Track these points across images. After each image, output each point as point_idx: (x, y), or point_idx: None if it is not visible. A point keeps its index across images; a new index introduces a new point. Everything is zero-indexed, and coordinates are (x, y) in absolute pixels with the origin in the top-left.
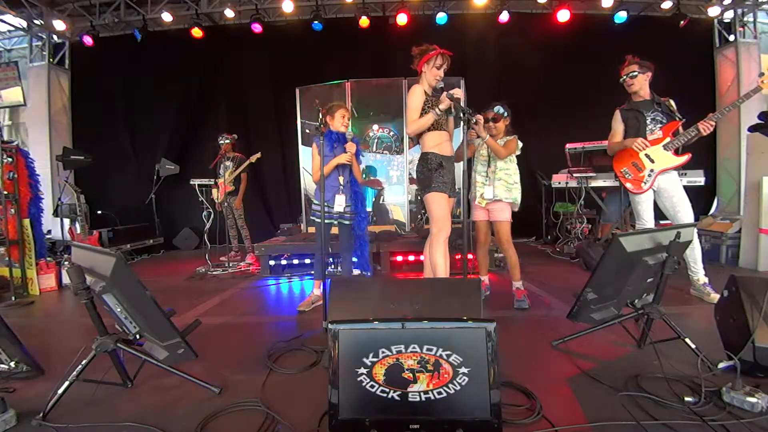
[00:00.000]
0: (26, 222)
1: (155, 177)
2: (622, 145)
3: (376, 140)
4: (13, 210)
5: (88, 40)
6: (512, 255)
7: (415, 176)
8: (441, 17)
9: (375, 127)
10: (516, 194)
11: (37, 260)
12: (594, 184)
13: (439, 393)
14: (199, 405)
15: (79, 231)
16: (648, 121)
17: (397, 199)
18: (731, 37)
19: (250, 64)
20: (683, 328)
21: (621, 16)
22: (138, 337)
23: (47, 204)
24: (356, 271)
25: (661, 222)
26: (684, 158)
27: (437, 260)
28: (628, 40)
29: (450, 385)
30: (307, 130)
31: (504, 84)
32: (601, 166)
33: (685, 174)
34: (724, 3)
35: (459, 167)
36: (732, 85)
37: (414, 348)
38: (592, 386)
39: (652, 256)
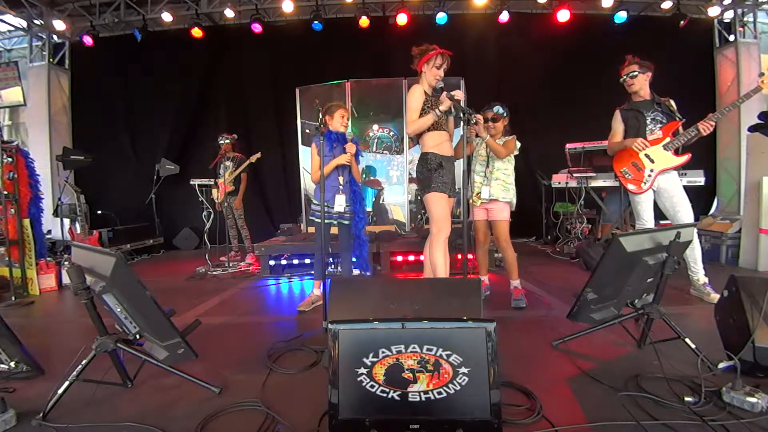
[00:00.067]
0: (26, 222)
1: (155, 177)
2: (622, 145)
3: (376, 140)
4: (13, 210)
5: (88, 40)
6: (510, 254)
7: (415, 176)
8: (441, 17)
9: (375, 127)
10: (513, 194)
11: (37, 260)
12: (594, 184)
13: (439, 393)
14: (199, 405)
15: (79, 231)
16: (648, 121)
17: (397, 199)
18: (731, 37)
19: (250, 64)
20: (683, 328)
21: (621, 16)
22: (138, 337)
23: (47, 204)
24: (356, 271)
25: (661, 222)
26: (684, 158)
27: (437, 260)
28: (628, 40)
29: (450, 385)
30: (307, 130)
31: (504, 84)
32: (601, 166)
33: (685, 174)
34: (724, 3)
35: (459, 167)
36: (732, 85)
37: (414, 348)
38: (592, 386)
39: (652, 256)
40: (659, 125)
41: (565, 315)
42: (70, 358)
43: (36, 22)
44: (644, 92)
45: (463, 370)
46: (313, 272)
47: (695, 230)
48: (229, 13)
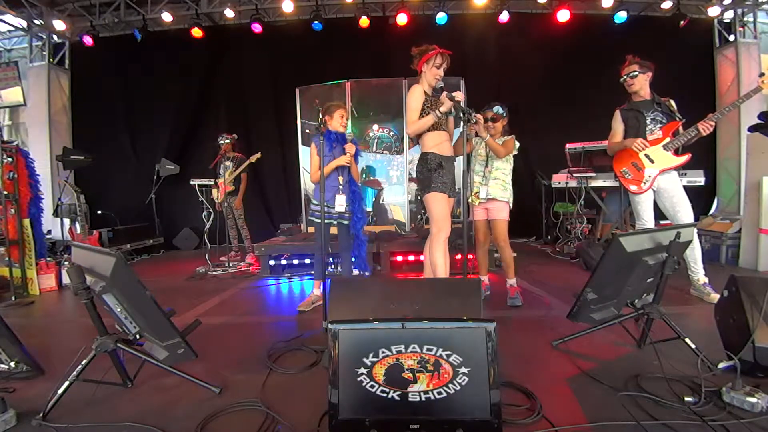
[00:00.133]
0: (26, 222)
1: (155, 177)
2: (622, 146)
3: (376, 140)
4: (13, 210)
5: (88, 40)
6: (508, 254)
7: (415, 176)
8: (441, 17)
9: (375, 127)
10: (510, 194)
11: (37, 260)
12: (594, 184)
13: (439, 393)
14: (199, 405)
15: (79, 231)
16: (648, 121)
17: (397, 199)
18: (731, 37)
19: (250, 64)
20: (683, 328)
21: (621, 16)
22: (138, 337)
23: (47, 204)
24: (355, 271)
25: (661, 222)
26: (684, 158)
27: (437, 260)
28: (628, 40)
29: (450, 385)
30: (307, 130)
31: (504, 84)
32: (601, 166)
33: (685, 174)
34: (724, 3)
35: (459, 167)
36: (732, 85)
37: (414, 348)
38: (592, 386)
39: (652, 256)
40: (659, 125)
41: (565, 315)
42: (70, 358)
43: (36, 22)
44: (644, 92)
45: (463, 370)
46: (313, 272)
47: (695, 230)
48: (229, 13)
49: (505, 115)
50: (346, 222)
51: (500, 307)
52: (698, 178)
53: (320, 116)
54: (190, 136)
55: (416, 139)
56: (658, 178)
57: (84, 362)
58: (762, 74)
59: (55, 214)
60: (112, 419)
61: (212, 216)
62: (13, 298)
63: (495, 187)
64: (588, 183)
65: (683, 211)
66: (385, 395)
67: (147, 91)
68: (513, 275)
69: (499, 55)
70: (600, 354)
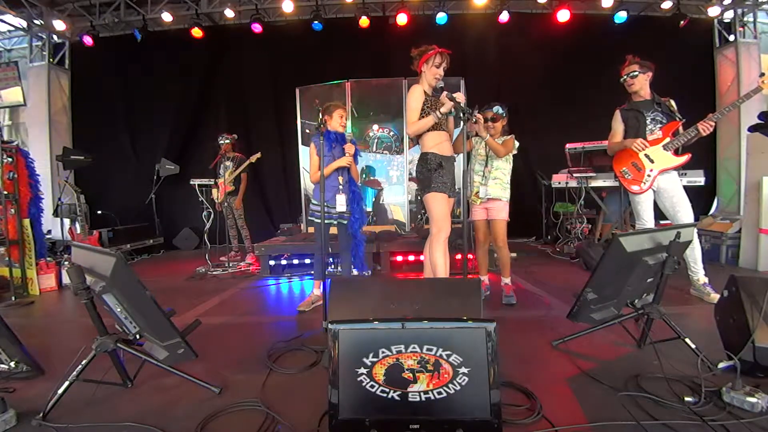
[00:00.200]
0: (26, 222)
1: (155, 177)
2: (622, 146)
3: (376, 140)
4: (13, 210)
5: (88, 40)
6: (505, 254)
7: (415, 176)
8: (441, 17)
9: (375, 127)
10: (509, 194)
11: (37, 260)
12: (594, 184)
13: (439, 393)
14: (199, 405)
15: (79, 231)
16: (648, 121)
17: (397, 199)
18: (731, 37)
19: (250, 64)
20: (683, 328)
21: (621, 16)
22: (138, 337)
23: (47, 204)
24: (354, 271)
25: (661, 222)
26: (684, 158)
27: (437, 260)
28: (628, 40)
29: (450, 385)
30: (307, 130)
31: (504, 84)
32: (601, 166)
33: (685, 174)
34: (724, 3)
35: (459, 167)
36: (732, 85)
37: (414, 348)
38: (592, 386)
39: (652, 256)
40: (659, 125)
41: (565, 315)
42: (70, 358)
43: (36, 22)
44: (644, 92)
45: (463, 370)
46: (312, 272)
47: (695, 230)
48: (229, 13)
49: (505, 115)
50: (345, 222)
51: (500, 307)
52: (698, 178)
53: (320, 116)
54: (190, 136)
55: (416, 139)
56: (658, 178)
57: (84, 362)
58: (762, 74)
59: (55, 214)
60: (112, 419)
61: (212, 216)
62: (13, 298)
63: (495, 187)
64: (588, 183)
65: (683, 211)
66: (385, 395)
67: (147, 91)
68: (508, 274)
69: (499, 55)
70: (600, 354)
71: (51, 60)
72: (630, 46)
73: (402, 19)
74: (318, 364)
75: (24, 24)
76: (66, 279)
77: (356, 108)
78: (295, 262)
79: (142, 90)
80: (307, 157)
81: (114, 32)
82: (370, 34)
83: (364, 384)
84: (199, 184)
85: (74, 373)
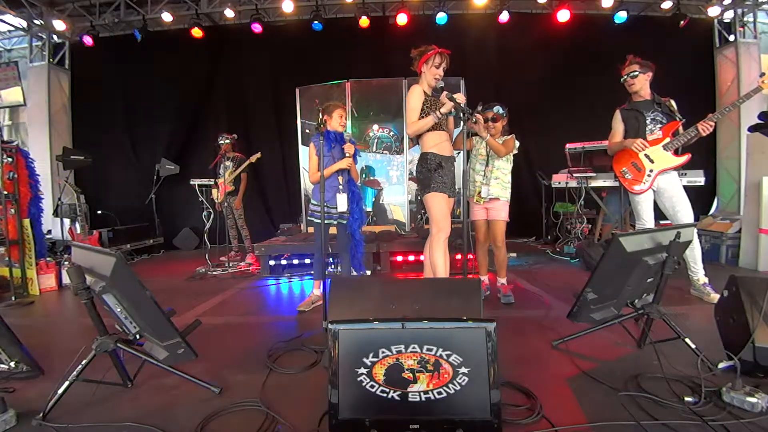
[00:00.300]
0: (26, 222)
1: (155, 177)
2: (622, 146)
3: (376, 140)
4: (13, 210)
5: (88, 40)
6: (503, 254)
7: (415, 175)
8: (441, 17)
9: (375, 127)
10: (509, 193)
11: (37, 260)
12: (594, 184)
13: (439, 393)
14: (199, 405)
15: (79, 231)
16: (648, 122)
17: (397, 199)
18: (731, 37)
19: (250, 64)
20: (683, 328)
21: (621, 16)
22: (138, 337)
23: (47, 204)
24: (354, 272)
25: (661, 222)
26: (684, 158)
27: (437, 260)
28: (628, 40)
29: (450, 385)
30: (307, 130)
31: (504, 84)
32: (601, 166)
33: (685, 174)
34: (724, 3)
35: (459, 167)
36: (732, 85)
37: (414, 348)
38: (592, 386)
39: (652, 256)
40: (659, 125)
41: (565, 315)
42: (70, 358)
43: (36, 22)
44: (645, 92)
45: (463, 370)
46: (312, 272)
47: (695, 230)
48: (229, 13)
49: (505, 114)
50: (345, 222)
51: (500, 307)
52: (698, 178)
53: (320, 116)
54: (190, 136)
55: (416, 139)
56: (658, 178)
57: (84, 362)
58: (762, 74)
59: (55, 214)
60: (112, 419)
61: (212, 216)
62: (13, 298)
63: (496, 187)
64: (588, 183)
65: (683, 211)
66: (385, 395)
67: (147, 91)
68: (504, 275)
69: (499, 55)
70: (600, 354)
71: (51, 60)
72: (630, 46)
73: (402, 19)
74: (318, 364)
75: (24, 24)
76: (66, 279)
77: (356, 108)
78: (295, 262)
79: (142, 90)
80: (307, 157)
81: (114, 32)
82: (369, 34)
83: (364, 384)
84: (199, 184)
85: (74, 373)
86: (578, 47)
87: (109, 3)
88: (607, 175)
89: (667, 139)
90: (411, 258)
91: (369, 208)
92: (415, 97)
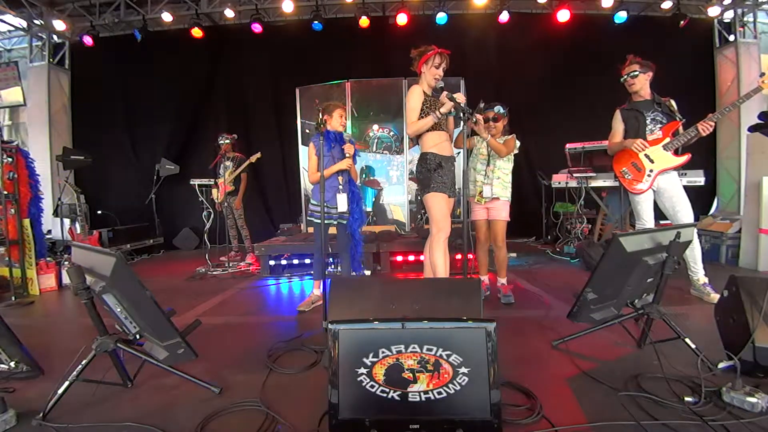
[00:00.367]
0: (26, 222)
1: (155, 177)
2: (622, 146)
3: (376, 140)
4: (13, 210)
5: (88, 40)
6: (503, 254)
7: (414, 175)
8: (441, 17)
9: (375, 127)
10: (509, 193)
11: (37, 260)
12: (594, 184)
13: (439, 393)
14: (199, 405)
15: (79, 231)
16: (648, 122)
17: (397, 199)
18: (731, 37)
19: (250, 64)
20: (683, 328)
21: (621, 16)
22: (138, 337)
23: (47, 204)
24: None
25: (661, 222)
26: (684, 158)
27: (437, 260)
28: (628, 40)
29: (450, 385)
30: (307, 130)
31: (504, 84)
32: (601, 166)
33: (685, 174)
34: (724, 3)
35: (459, 167)
36: (732, 85)
37: (414, 348)
38: (592, 386)
39: (652, 256)
40: (659, 125)
41: (565, 315)
42: (70, 358)
43: (36, 22)
44: (645, 92)
45: (463, 370)
46: (312, 272)
47: (695, 230)
48: (229, 13)
49: (505, 114)
50: (345, 222)
51: (500, 307)
52: (698, 178)
53: (320, 116)
54: (190, 136)
55: (416, 139)
56: (658, 178)
57: (84, 362)
58: (762, 74)
59: (55, 214)
60: (112, 419)
61: (212, 216)
62: (13, 298)
63: (497, 186)
64: (588, 183)
65: (683, 211)
66: (385, 395)
67: (147, 91)
68: (504, 275)
69: (499, 55)
70: (600, 354)
71: (51, 60)
72: (630, 46)
73: (402, 19)
74: (318, 364)
75: (24, 24)
76: (66, 279)
77: (356, 108)
78: (295, 262)
79: (142, 90)
80: (307, 157)
81: (114, 32)
82: (370, 34)
83: (364, 384)
84: (199, 184)
85: (74, 373)
86: (578, 47)
87: (109, 3)
88: (607, 175)
89: (667, 139)
90: (411, 258)
91: (369, 208)
92: (414, 97)
